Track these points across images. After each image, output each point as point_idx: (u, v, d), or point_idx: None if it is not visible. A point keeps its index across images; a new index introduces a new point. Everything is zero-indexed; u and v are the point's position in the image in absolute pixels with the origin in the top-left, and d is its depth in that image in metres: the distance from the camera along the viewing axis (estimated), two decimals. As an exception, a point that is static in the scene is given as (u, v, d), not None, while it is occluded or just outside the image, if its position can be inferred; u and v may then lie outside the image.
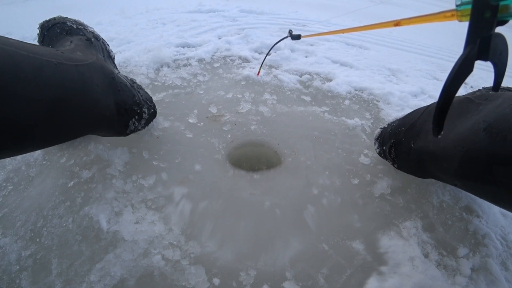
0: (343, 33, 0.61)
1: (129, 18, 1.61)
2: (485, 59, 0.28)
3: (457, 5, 0.30)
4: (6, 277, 0.48)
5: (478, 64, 0.28)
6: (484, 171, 0.41)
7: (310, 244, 0.54)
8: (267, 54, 1.03)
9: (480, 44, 0.27)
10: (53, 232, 0.54)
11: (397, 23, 0.40)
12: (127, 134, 0.68)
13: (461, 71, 0.28)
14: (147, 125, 0.73)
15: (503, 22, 0.27)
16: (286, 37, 0.86)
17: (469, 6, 0.27)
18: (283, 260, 0.52)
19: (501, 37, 0.27)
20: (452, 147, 0.47)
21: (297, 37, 0.82)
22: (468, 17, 0.27)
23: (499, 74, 0.29)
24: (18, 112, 0.39)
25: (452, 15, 0.31)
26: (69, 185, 0.62)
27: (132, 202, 0.59)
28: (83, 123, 0.54)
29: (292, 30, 0.84)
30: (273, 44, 0.97)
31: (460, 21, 0.30)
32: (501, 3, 0.26)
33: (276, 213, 0.59)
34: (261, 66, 1.01)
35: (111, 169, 0.64)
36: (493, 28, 0.27)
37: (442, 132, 0.30)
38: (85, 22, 0.72)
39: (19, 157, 0.68)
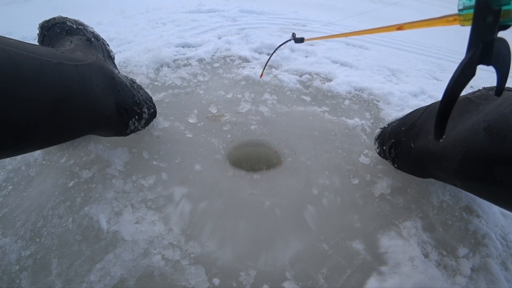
0: (345, 36, 0.61)
1: (129, 18, 1.61)
2: (487, 64, 0.28)
3: (459, 10, 0.30)
4: (6, 277, 0.48)
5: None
6: (484, 171, 0.41)
7: (310, 244, 0.54)
8: (270, 57, 1.02)
9: (483, 49, 0.27)
10: (53, 232, 0.54)
11: (399, 27, 0.40)
12: (127, 134, 0.68)
13: (463, 75, 0.28)
14: (147, 125, 0.73)
15: (505, 27, 0.27)
16: (289, 40, 0.85)
17: (471, 11, 0.27)
18: (283, 260, 0.52)
19: (503, 42, 0.27)
20: (452, 146, 0.47)
21: (300, 40, 0.81)
22: (470, 22, 0.27)
23: (502, 79, 0.29)
24: (18, 112, 0.39)
25: (455, 20, 0.31)
26: (69, 185, 0.62)
27: (132, 202, 0.59)
28: (83, 123, 0.54)
29: (295, 33, 0.84)
30: (275, 48, 0.96)
31: (463, 25, 0.30)
32: (503, 8, 0.26)
33: (276, 213, 0.59)
34: (263, 69, 1.01)
35: (111, 169, 0.64)
36: (495, 32, 0.26)
37: (444, 136, 0.30)
38: (85, 22, 0.72)
39: (19, 157, 0.68)
